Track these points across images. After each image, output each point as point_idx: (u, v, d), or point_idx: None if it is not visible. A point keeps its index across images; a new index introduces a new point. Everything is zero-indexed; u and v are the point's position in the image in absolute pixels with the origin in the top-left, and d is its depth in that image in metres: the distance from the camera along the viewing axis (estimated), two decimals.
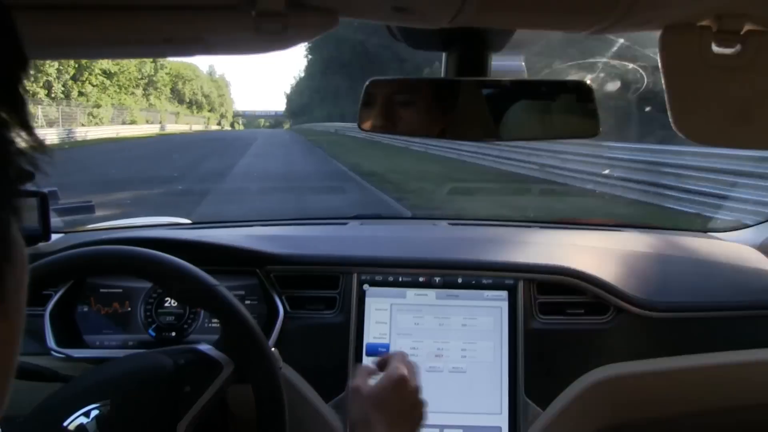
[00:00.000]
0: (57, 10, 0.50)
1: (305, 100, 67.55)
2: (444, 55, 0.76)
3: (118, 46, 0.60)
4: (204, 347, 0.81)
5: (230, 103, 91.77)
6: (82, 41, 0.57)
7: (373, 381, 0.80)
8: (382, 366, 0.83)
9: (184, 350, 0.83)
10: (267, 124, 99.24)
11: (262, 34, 0.54)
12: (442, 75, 0.76)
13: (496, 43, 0.74)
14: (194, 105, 67.29)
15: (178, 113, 57.67)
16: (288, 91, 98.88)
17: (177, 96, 60.48)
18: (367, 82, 0.76)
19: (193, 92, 66.51)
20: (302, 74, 77.96)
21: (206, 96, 71.39)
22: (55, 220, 1.28)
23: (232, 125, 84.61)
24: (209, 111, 73.57)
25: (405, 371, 0.79)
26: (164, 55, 0.67)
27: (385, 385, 0.78)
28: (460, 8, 0.51)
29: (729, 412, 1.11)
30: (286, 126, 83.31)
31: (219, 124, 76.32)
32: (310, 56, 60.05)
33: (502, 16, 0.58)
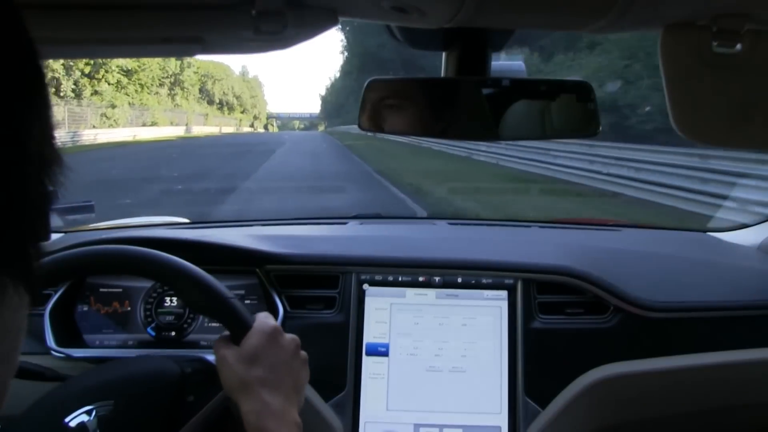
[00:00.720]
0: (55, 10, 0.50)
1: (341, 100, 61.42)
2: (444, 54, 0.76)
3: (117, 45, 0.60)
4: (212, 357, 0.80)
5: (264, 105, 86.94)
6: (81, 40, 0.57)
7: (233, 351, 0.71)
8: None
9: (192, 359, 0.82)
10: (301, 126, 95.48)
11: (262, 33, 0.54)
12: (442, 74, 0.76)
13: (496, 42, 0.74)
14: (225, 106, 63.11)
15: (207, 114, 53.52)
16: (323, 92, 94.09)
17: (206, 96, 56.24)
18: (366, 82, 0.76)
19: (223, 92, 62.19)
20: (338, 74, 72.44)
21: (237, 97, 66.84)
22: (55, 220, 1.28)
23: (265, 127, 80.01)
24: (241, 112, 68.74)
25: (275, 323, 0.73)
26: (164, 54, 0.67)
27: (257, 339, 0.71)
28: (459, 8, 0.51)
29: (729, 412, 1.11)
30: (321, 128, 79.20)
31: (252, 126, 71.34)
32: (346, 53, 54.03)
33: (501, 16, 0.58)
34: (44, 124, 0.30)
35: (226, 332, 0.75)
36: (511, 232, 1.54)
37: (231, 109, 65.10)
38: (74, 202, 1.66)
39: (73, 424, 0.71)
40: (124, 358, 0.88)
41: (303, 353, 0.75)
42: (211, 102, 58.07)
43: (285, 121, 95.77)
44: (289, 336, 0.74)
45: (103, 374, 0.80)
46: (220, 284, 0.77)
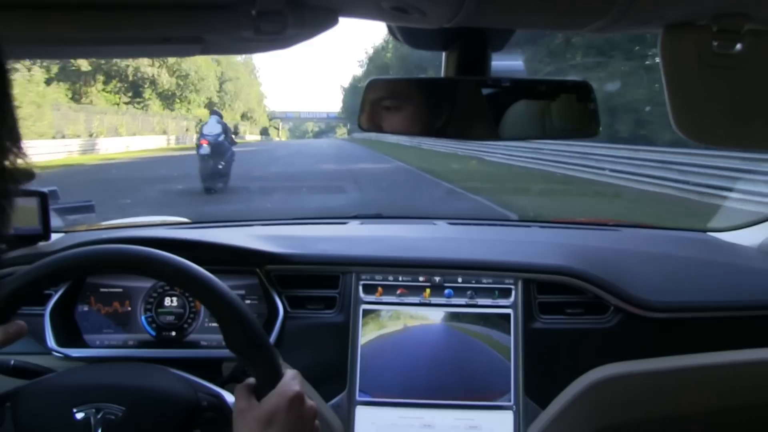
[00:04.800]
0: (54, 10, 0.50)
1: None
2: (444, 54, 0.76)
3: (117, 45, 0.60)
4: (231, 399, 0.79)
5: (259, 98, 56.91)
6: (81, 41, 0.57)
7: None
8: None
9: (211, 392, 0.81)
10: (316, 128, 72.72)
11: (262, 33, 0.54)
12: (442, 74, 0.76)
13: (496, 42, 0.74)
14: (151, 90, 29.89)
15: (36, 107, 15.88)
16: (346, 84, 66.65)
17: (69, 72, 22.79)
18: (367, 82, 0.76)
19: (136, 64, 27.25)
20: (371, 51, 51.21)
21: (183, 76, 32.80)
22: (55, 220, 1.28)
23: (264, 132, 51.14)
24: (205, 107, 34.79)
25: (299, 388, 0.71)
26: (164, 54, 0.67)
27: (278, 402, 0.68)
28: (460, 8, 0.51)
29: (729, 412, 1.11)
30: (341, 132, 59.32)
31: (235, 132, 32.56)
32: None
33: (501, 16, 0.58)
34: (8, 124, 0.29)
35: (251, 379, 0.73)
36: (511, 232, 1.54)
37: (171, 99, 32.69)
38: (74, 202, 1.66)
39: (79, 416, 0.72)
40: (141, 362, 0.87)
41: (317, 423, 0.73)
42: (89, 77, 25.11)
43: (297, 123, 70.70)
44: (309, 404, 0.72)
45: (120, 376, 0.80)
46: (262, 330, 0.74)
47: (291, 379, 0.72)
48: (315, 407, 0.73)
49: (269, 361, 0.72)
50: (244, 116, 47.16)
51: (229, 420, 0.72)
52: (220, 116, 9.82)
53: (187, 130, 31.71)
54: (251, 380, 0.72)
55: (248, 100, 49.47)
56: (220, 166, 8.84)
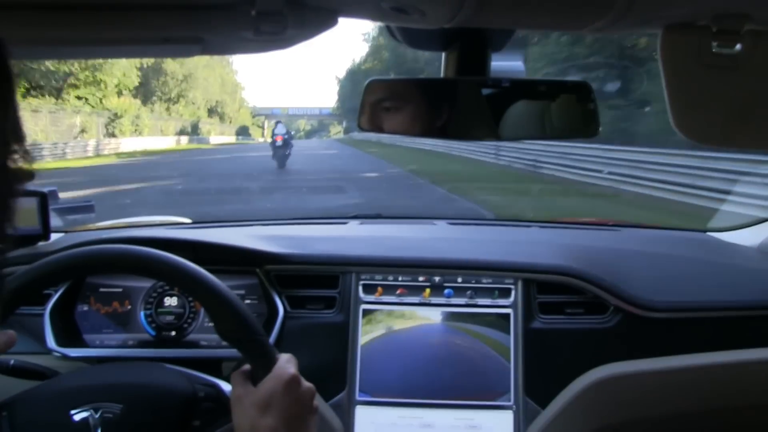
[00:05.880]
0: (54, 10, 0.51)
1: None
2: (443, 54, 0.76)
3: (117, 45, 0.60)
4: (227, 388, 0.79)
5: (232, 89, 45.91)
6: (81, 41, 0.57)
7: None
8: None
9: (207, 383, 0.81)
10: (308, 127, 66.32)
11: (262, 33, 0.54)
12: (442, 74, 0.76)
13: (496, 42, 0.74)
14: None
15: None
16: (342, 74, 57.50)
17: None
18: (366, 82, 0.76)
19: None
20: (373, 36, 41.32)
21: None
22: (55, 220, 1.28)
23: (242, 133, 42.16)
24: (135, 95, 27.50)
25: (295, 371, 0.71)
26: (163, 54, 0.67)
27: (273, 385, 0.69)
28: (459, 8, 0.51)
29: (729, 412, 1.11)
30: (335, 131, 52.89)
31: (194, 132, 32.09)
32: None
33: (501, 16, 0.58)
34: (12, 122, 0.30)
35: (247, 366, 0.73)
36: (511, 232, 1.54)
37: (58, 81, 20.47)
38: (74, 202, 1.66)
39: (77, 417, 0.72)
40: (137, 361, 0.87)
41: (315, 404, 0.74)
42: None
43: (285, 121, 49.97)
44: (305, 386, 0.72)
45: (116, 375, 0.80)
46: (253, 317, 0.74)
47: (286, 363, 0.72)
48: (312, 388, 0.73)
49: (262, 346, 0.72)
50: (212, 111, 36.27)
51: (228, 408, 0.72)
52: (281, 122, 16.56)
53: (83, 131, 20.47)
54: (247, 367, 0.73)
55: (208, 87, 36.76)
56: (287, 153, 14.98)
